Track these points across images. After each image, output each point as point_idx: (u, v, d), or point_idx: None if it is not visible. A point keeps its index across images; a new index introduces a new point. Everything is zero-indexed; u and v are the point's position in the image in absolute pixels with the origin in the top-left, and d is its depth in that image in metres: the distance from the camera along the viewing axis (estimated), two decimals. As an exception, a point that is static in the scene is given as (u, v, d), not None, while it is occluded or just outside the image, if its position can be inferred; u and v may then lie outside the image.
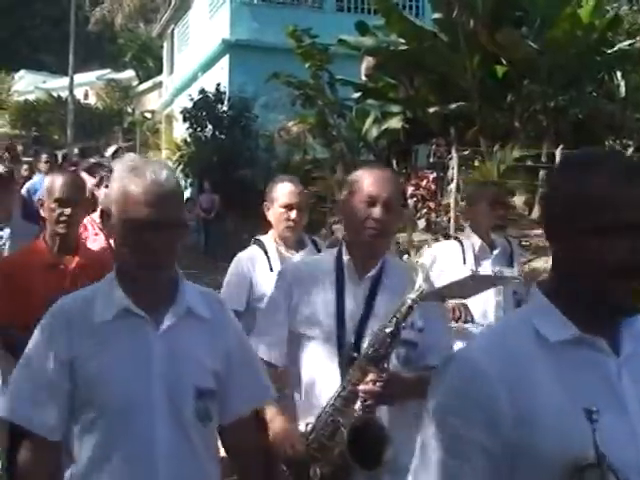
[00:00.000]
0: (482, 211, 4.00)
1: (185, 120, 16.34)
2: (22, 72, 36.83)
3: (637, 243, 1.26)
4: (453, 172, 11.59)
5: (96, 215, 4.33)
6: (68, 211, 3.22)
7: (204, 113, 16.11)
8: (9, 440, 3.18)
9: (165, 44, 27.71)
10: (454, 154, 11.80)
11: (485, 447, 1.28)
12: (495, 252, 3.99)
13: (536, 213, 11.29)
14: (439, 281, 2.81)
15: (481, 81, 12.50)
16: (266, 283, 3.36)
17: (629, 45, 12.47)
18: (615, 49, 12.48)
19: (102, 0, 34.64)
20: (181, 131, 18.36)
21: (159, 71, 29.49)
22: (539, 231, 10.71)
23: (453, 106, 12.57)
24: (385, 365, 2.26)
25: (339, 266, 2.46)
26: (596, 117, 12.33)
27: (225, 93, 16.44)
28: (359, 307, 2.40)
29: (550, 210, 1.37)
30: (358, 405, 2.23)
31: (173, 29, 26.10)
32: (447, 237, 4.51)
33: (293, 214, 3.53)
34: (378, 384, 2.21)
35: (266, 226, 3.75)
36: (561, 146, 10.38)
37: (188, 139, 16.96)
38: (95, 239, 4.20)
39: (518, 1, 12.81)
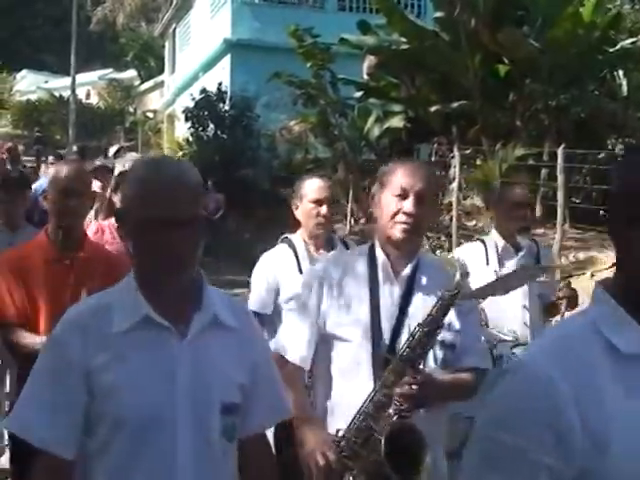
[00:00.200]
0: (506, 212, 3.91)
1: (187, 120, 16.33)
2: (24, 72, 36.84)
3: None
4: (455, 171, 11.59)
5: (113, 220, 4.28)
6: (73, 202, 3.06)
7: (206, 113, 16.10)
8: (14, 456, 3.12)
9: (167, 44, 27.73)
10: (456, 153, 11.79)
11: (550, 470, 1.13)
12: (521, 253, 3.90)
13: (538, 212, 11.28)
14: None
15: (483, 80, 12.49)
16: (294, 285, 3.21)
17: (631, 44, 12.44)
18: (617, 48, 12.46)
19: (104, 0, 34.67)
20: (183, 131, 18.35)
21: (161, 71, 29.51)
22: (541, 230, 10.70)
23: (455, 105, 12.56)
24: (420, 366, 2.17)
25: (372, 264, 2.35)
26: (598, 116, 12.31)
27: (227, 92, 16.43)
28: (394, 307, 2.29)
29: (608, 206, 1.31)
30: (393, 409, 2.12)
31: (175, 29, 26.11)
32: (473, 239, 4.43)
33: (323, 209, 3.42)
34: (414, 386, 2.11)
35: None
36: (563, 145, 10.36)
37: (190, 138, 16.95)
38: (113, 243, 4.14)
39: (519, 0, 12.80)
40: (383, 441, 2.07)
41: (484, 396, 1.29)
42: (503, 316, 3.77)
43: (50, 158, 9.46)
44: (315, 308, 2.35)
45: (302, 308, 2.41)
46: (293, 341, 2.38)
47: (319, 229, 3.45)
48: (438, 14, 13.12)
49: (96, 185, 5.03)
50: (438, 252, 9.95)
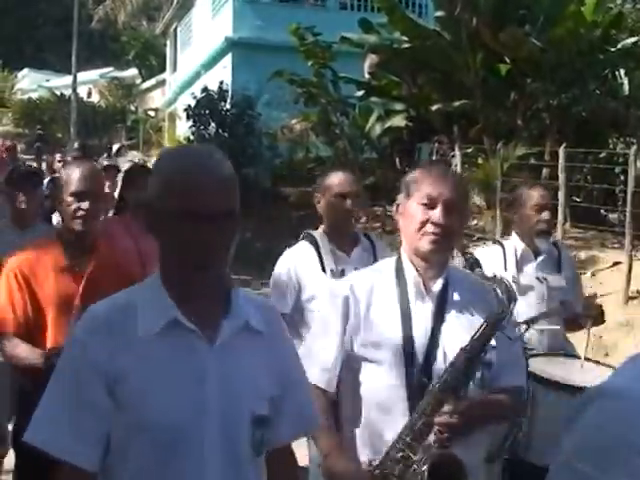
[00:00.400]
0: (527, 215, 3.71)
1: (188, 118, 16.32)
2: (25, 70, 36.86)
3: None
4: (456, 170, 11.59)
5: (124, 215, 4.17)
6: (86, 205, 2.90)
7: (207, 111, 16.09)
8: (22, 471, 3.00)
9: (168, 42, 27.75)
10: (457, 152, 11.80)
11: None
12: (540, 258, 3.70)
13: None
14: None
15: (484, 79, 12.49)
16: (317, 283, 3.18)
17: (633, 43, 12.43)
18: (618, 47, 12.44)
19: (105, -2, 34.69)
20: (184, 129, 18.35)
21: (162, 69, 29.52)
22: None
23: (456, 104, 12.56)
24: (463, 393, 2.03)
25: (400, 279, 2.19)
26: (599, 115, 12.29)
27: (228, 91, 16.43)
28: (427, 326, 2.13)
29: None
30: (433, 439, 1.98)
31: (176, 27, 26.13)
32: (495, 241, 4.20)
33: (348, 203, 3.28)
34: (456, 415, 1.98)
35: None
36: (564, 144, 10.37)
37: (191, 137, 16.94)
38: (123, 237, 3.98)
39: (521, -1, 12.82)
40: (426, 474, 1.93)
41: (569, 422, 1.07)
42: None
43: (57, 156, 9.44)
44: (341, 328, 2.19)
45: (326, 328, 2.24)
46: (317, 363, 2.21)
47: (343, 224, 3.33)
48: (439, 13, 13.12)
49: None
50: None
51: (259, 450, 1.66)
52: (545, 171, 11.78)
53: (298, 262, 3.30)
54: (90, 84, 34.05)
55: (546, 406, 3.00)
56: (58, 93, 31.20)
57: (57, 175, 8.51)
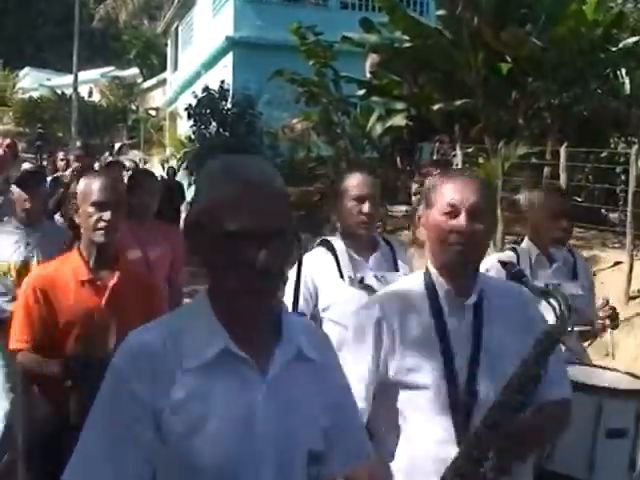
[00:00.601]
0: (544, 221, 3.56)
1: (189, 117, 16.34)
2: (26, 70, 36.91)
3: None
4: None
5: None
6: (107, 215, 2.81)
7: (208, 110, 16.10)
8: None
9: (169, 41, 27.77)
10: (458, 151, 11.79)
11: None
12: (555, 265, 3.57)
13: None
14: None
15: (485, 78, 12.49)
16: (335, 291, 3.04)
17: (634, 42, 12.43)
18: (620, 46, 12.44)
19: (106, -3, 34.71)
20: (185, 128, 18.37)
21: (163, 68, 29.54)
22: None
23: (457, 103, 12.55)
24: (522, 414, 1.89)
25: (433, 296, 2.04)
26: (601, 114, 12.29)
27: (229, 90, 16.44)
28: (466, 343, 1.99)
29: None
30: (489, 466, 1.85)
31: (177, 26, 26.14)
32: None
33: (366, 207, 3.06)
34: (510, 439, 1.86)
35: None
36: (565, 143, 10.36)
37: (192, 136, 16.96)
38: (131, 246, 3.89)
39: (522, -2, 12.82)
40: None
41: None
42: None
43: (60, 155, 9.48)
44: (373, 353, 2.03)
45: (357, 354, 2.05)
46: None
47: (362, 229, 3.11)
48: (440, 12, 13.14)
49: None
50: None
51: None
52: (546, 170, 11.78)
53: (315, 269, 3.10)
54: (91, 83, 34.09)
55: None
56: (59, 92, 31.25)
57: (59, 174, 8.56)
